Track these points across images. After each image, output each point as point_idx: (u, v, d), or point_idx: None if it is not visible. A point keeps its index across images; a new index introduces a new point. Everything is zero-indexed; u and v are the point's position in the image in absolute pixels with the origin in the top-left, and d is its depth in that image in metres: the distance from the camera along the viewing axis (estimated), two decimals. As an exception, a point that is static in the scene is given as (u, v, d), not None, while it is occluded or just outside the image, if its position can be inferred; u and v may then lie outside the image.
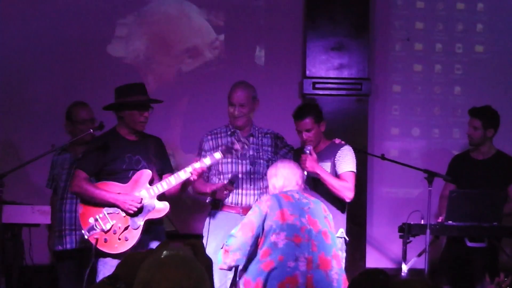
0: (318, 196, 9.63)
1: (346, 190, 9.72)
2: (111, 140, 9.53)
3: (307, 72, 11.95)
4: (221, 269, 9.13)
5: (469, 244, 10.29)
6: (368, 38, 12.14)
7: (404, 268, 9.99)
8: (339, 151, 9.99)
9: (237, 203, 9.90)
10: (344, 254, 9.84)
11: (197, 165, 9.26)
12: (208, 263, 7.47)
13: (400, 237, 10.05)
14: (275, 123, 11.05)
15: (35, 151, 10.21)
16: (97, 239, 9.22)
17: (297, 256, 8.81)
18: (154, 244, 9.09)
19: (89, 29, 12.14)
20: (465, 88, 12.40)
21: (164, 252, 5.82)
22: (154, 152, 9.73)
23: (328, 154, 9.98)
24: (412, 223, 10.00)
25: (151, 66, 12.38)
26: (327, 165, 9.93)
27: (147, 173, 9.35)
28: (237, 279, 9.24)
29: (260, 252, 8.93)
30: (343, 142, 10.20)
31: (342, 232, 9.87)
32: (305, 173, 9.66)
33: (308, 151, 9.73)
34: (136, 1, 12.33)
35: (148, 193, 9.31)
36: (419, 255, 10.11)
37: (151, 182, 9.35)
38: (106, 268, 9.08)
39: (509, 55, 12.44)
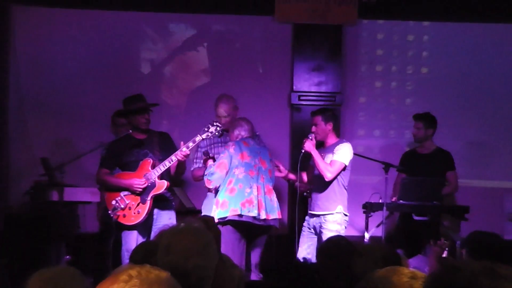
0: (315, 175, 10.47)
1: (327, 172, 10.06)
2: (124, 140, 10.02)
3: (294, 87, 12.22)
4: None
5: (415, 218, 10.75)
6: (340, 62, 12.36)
7: (366, 235, 10.29)
8: (338, 145, 10.31)
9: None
10: (343, 226, 10.35)
11: (184, 149, 9.71)
12: (217, 233, 8.11)
13: (364, 212, 10.38)
14: (269, 125, 11.82)
15: (84, 146, 10.80)
16: (118, 216, 9.76)
17: (251, 185, 10.00)
18: (163, 214, 9.88)
19: (126, 53, 12.36)
20: (414, 100, 12.64)
21: (181, 224, 6.38)
22: (158, 145, 10.04)
23: (332, 148, 10.31)
24: (372, 202, 10.37)
25: (175, 82, 12.63)
26: (329, 156, 10.28)
27: (148, 161, 9.77)
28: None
29: (227, 181, 10.07)
30: (344, 140, 10.63)
31: (340, 208, 10.26)
32: (302, 151, 10.26)
33: (310, 137, 10.19)
34: (160, 31, 12.53)
35: (151, 175, 9.70)
36: (378, 226, 10.45)
37: (153, 167, 9.74)
38: (129, 237, 9.72)
39: (446, 76, 12.71)
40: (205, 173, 10.17)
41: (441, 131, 11.44)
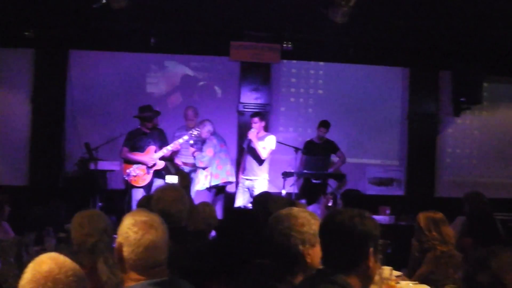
0: (255, 154, 10.88)
1: (262, 153, 10.75)
2: (137, 132, 10.47)
3: (240, 100, 12.63)
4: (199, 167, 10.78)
5: (313, 181, 11.44)
6: (269, 85, 12.78)
7: (283, 192, 10.59)
8: (268, 136, 10.96)
9: (187, 163, 11.01)
10: (266, 186, 10.88)
11: (181, 140, 10.26)
12: (188, 182, 9.28)
13: (282, 177, 10.88)
14: (225, 125, 12.11)
15: (110, 136, 11.08)
16: (131, 180, 10.28)
17: (227, 163, 10.81)
18: (158, 181, 10.17)
19: (136, 76, 12.60)
20: (314, 110, 13.03)
21: (165, 183, 7.20)
22: (158, 137, 10.47)
23: (263, 138, 10.89)
24: (287, 171, 10.96)
25: (169, 98, 12.75)
26: (261, 143, 10.82)
27: (152, 147, 10.28)
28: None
29: (215, 161, 10.70)
30: (270, 133, 11.23)
31: (265, 175, 10.96)
32: (248, 138, 10.88)
33: (252, 130, 10.77)
34: (161, 65, 12.71)
35: (155, 157, 10.20)
36: (291, 186, 10.96)
37: (155, 152, 10.26)
38: (137, 193, 10.11)
39: (334, 95, 13.04)
40: (198, 157, 10.74)
41: (332, 130, 11.86)
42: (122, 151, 10.49)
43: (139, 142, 10.44)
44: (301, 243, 3.53)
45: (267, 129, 11.94)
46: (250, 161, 11.13)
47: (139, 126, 10.61)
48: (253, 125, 10.99)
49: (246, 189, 11.05)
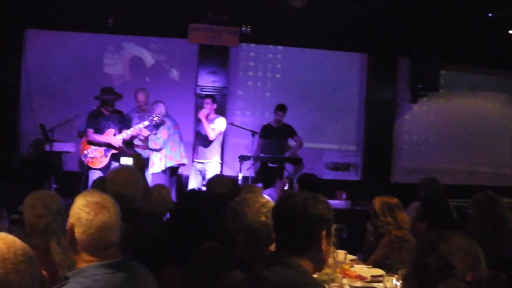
0: (203, 135, 10.91)
1: (210, 134, 10.75)
2: (98, 113, 10.35)
3: (198, 83, 12.66)
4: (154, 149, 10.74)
5: (270, 165, 11.51)
6: (227, 69, 12.83)
7: (240, 175, 10.70)
8: (218, 118, 10.96)
9: (140, 145, 10.81)
10: (219, 169, 11.04)
11: (141, 125, 10.25)
12: (143, 164, 9.13)
13: (239, 161, 10.96)
14: (182, 106, 12.23)
15: (66, 117, 10.97)
16: (88, 161, 10.24)
17: (180, 145, 10.82)
18: (115, 163, 10.02)
19: (93, 58, 12.50)
20: (271, 94, 13.13)
21: (119, 165, 7.11)
22: (117, 120, 10.36)
23: (213, 120, 10.88)
24: (244, 155, 11.09)
25: (126, 79, 12.62)
26: (211, 125, 10.82)
27: (111, 130, 10.19)
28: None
29: (169, 143, 10.70)
30: (219, 115, 11.12)
31: (217, 158, 11.06)
32: (198, 118, 10.98)
33: (203, 110, 10.79)
34: (118, 46, 12.58)
35: (114, 139, 10.18)
36: (247, 169, 10.95)
37: (114, 135, 10.20)
38: (94, 174, 9.88)
39: (291, 80, 13.11)
40: (152, 139, 10.69)
41: (290, 115, 11.95)
42: (87, 133, 10.36)
43: (98, 124, 10.36)
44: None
45: (224, 112, 12.06)
46: (200, 144, 11.19)
47: (95, 108, 10.53)
48: (205, 105, 11.03)
49: (198, 172, 11.07)
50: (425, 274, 2.45)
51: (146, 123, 10.33)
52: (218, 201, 4.45)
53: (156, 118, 10.36)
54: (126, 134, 10.29)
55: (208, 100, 11.05)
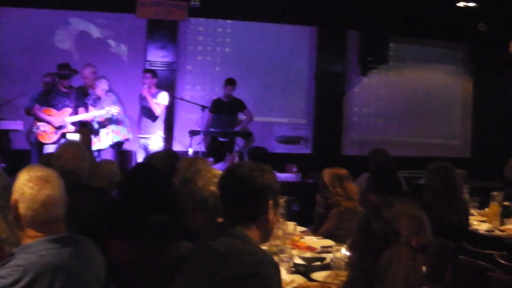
0: (148, 110, 10.92)
1: (156, 110, 10.82)
2: (54, 90, 10.29)
3: (147, 58, 12.53)
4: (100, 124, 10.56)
5: (220, 139, 11.46)
6: (176, 43, 12.74)
7: (190, 150, 10.71)
8: (160, 93, 10.96)
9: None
10: (162, 144, 11.03)
11: (96, 113, 10.34)
12: (89, 141, 9.12)
13: (189, 136, 10.94)
14: (131, 82, 11.80)
15: (13, 94, 10.78)
16: (38, 133, 10.10)
17: (124, 119, 10.81)
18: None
19: (41, 34, 12.20)
20: (221, 68, 13.04)
21: (65, 140, 7.00)
22: (75, 97, 10.27)
23: (156, 95, 10.91)
24: (194, 129, 11.08)
25: (74, 55, 12.25)
26: (155, 100, 10.87)
27: (68, 110, 10.10)
28: None
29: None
30: (161, 90, 11.07)
31: (160, 132, 11.02)
32: (142, 96, 10.91)
33: (145, 87, 10.84)
34: (65, 22, 12.32)
35: (67, 120, 10.06)
36: (198, 144, 10.98)
37: (69, 114, 10.12)
38: (48, 150, 9.46)
39: (241, 54, 13.09)
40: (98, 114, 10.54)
41: (240, 89, 11.99)
42: (33, 108, 10.28)
43: (54, 101, 10.28)
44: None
45: (174, 87, 12.19)
46: (144, 119, 11.17)
47: (41, 86, 10.53)
48: (145, 81, 11.03)
49: (142, 148, 11.11)
50: (370, 240, 2.45)
51: (103, 112, 10.38)
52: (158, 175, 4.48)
53: (114, 111, 10.43)
54: (81, 118, 10.28)
55: (148, 75, 11.05)
